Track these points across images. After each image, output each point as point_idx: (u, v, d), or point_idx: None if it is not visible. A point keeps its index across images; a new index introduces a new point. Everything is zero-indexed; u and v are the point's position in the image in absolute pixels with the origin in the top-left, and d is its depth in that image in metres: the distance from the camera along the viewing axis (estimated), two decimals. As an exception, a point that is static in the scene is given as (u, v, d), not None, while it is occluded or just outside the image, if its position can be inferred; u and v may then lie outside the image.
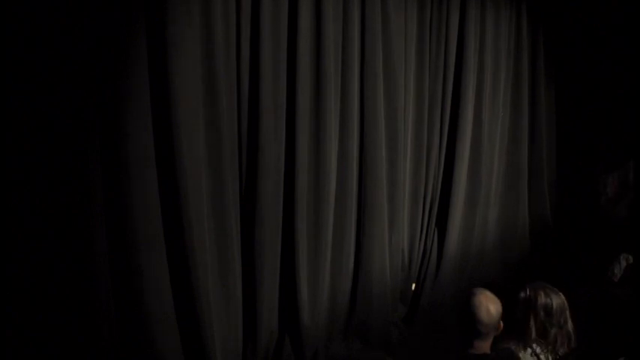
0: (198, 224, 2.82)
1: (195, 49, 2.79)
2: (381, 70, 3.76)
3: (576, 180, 5.37)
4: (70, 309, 2.47)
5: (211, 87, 2.90)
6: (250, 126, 3.17)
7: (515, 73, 5.00)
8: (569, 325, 2.36)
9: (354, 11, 3.55)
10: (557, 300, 2.36)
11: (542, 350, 2.33)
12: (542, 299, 2.37)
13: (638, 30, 4.96)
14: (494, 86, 4.72)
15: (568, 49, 5.33)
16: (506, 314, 2.18)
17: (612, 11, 5.09)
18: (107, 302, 2.57)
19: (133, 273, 2.64)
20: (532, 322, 2.35)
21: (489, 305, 2.11)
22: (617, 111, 5.16)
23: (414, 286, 4.42)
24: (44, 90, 2.36)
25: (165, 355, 2.75)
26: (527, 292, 2.45)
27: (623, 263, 3.73)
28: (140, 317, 2.68)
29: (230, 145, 3.06)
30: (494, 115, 4.76)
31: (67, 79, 2.40)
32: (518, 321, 2.39)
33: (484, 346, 2.13)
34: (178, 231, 2.76)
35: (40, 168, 2.39)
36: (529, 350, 2.33)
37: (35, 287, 2.41)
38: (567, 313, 2.37)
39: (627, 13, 5.00)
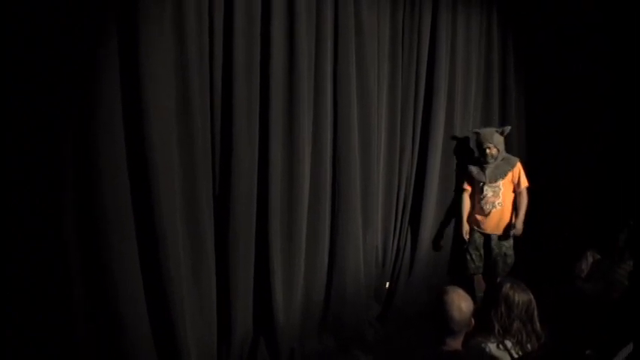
0: (171, 226, 2.81)
1: (167, 52, 2.77)
2: (354, 72, 3.79)
3: (546, 183, 5.44)
4: (40, 312, 2.45)
5: (184, 90, 2.89)
6: (223, 129, 3.16)
7: (485, 76, 5.07)
8: (537, 325, 2.42)
9: (326, 14, 3.57)
10: (522, 296, 2.41)
11: (513, 345, 2.39)
12: (505, 290, 2.42)
13: (609, 32, 5.05)
14: (465, 89, 4.78)
15: (538, 51, 5.39)
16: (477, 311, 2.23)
17: (582, 14, 5.14)
18: (79, 306, 2.55)
19: (105, 276, 2.62)
20: (493, 313, 2.41)
21: (461, 303, 2.15)
22: (588, 115, 5.25)
23: (387, 284, 4.47)
24: (18, 91, 2.33)
25: (139, 357, 2.73)
26: (495, 284, 2.51)
27: (590, 259, 3.83)
28: (113, 320, 2.66)
29: (203, 148, 3.05)
30: (466, 117, 4.82)
31: (38, 82, 2.38)
32: (485, 311, 2.45)
33: (456, 343, 2.17)
34: (151, 234, 2.74)
35: (9, 170, 2.36)
36: (500, 345, 2.39)
37: (6, 290, 2.37)
38: (535, 312, 2.42)
39: (597, 16, 5.06)
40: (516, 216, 4.32)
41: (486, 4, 4.96)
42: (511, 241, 4.35)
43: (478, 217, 4.43)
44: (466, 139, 4.76)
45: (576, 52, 5.21)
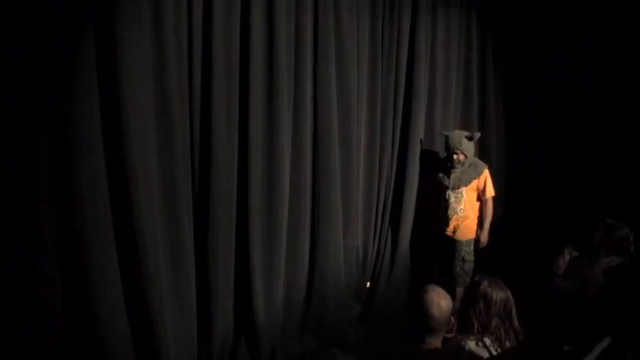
0: (149, 226, 2.78)
1: (145, 51, 2.75)
2: (333, 73, 3.80)
3: (526, 184, 5.51)
4: (17, 311, 2.42)
5: (162, 88, 2.87)
6: (202, 128, 3.15)
7: (465, 77, 5.09)
8: (515, 322, 2.45)
9: (306, 15, 3.57)
10: (500, 294, 2.44)
11: (492, 342, 2.41)
12: (483, 288, 2.45)
13: (591, 34, 5.11)
14: (445, 90, 4.80)
15: (518, 53, 5.42)
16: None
17: (564, 15, 5.19)
18: (57, 305, 2.52)
19: (83, 275, 2.59)
20: (472, 311, 2.43)
21: (440, 301, 2.16)
22: (569, 116, 5.31)
23: (368, 284, 4.48)
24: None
25: (118, 357, 2.71)
26: (474, 282, 2.54)
27: (567, 257, 3.88)
28: (91, 319, 2.63)
29: (182, 147, 3.03)
30: (446, 119, 4.84)
31: (14, 80, 2.35)
32: (464, 308, 2.48)
33: (435, 341, 2.18)
34: (129, 233, 2.72)
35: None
36: (479, 342, 2.41)
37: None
38: (513, 309, 2.45)
39: (579, 17, 5.12)
40: (481, 227, 4.25)
41: (466, 6, 4.99)
42: (471, 246, 4.29)
43: (441, 221, 4.36)
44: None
45: (557, 54, 5.27)
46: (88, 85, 2.55)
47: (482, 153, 5.15)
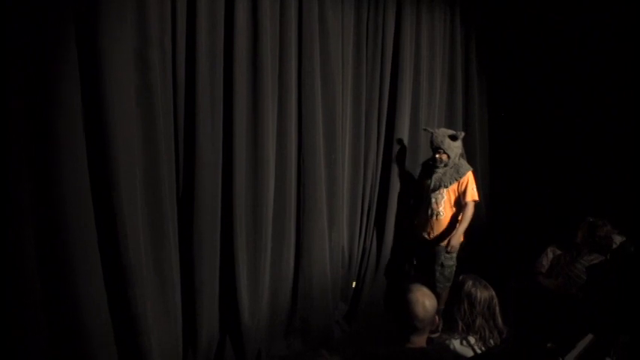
0: (133, 228, 2.76)
1: (128, 49, 2.72)
2: (318, 72, 3.79)
3: (508, 182, 5.55)
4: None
5: (146, 89, 2.84)
6: (187, 129, 3.13)
7: (450, 76, 5.12)
8: (499, 320, 2.47)
9: (290, 15, 3.56)
10: (484, 293, 2.46)
11: (476, 341, 2.43)
12: (467, 288, 2.47)
13: (571, 36, 5.18)
14: (430, 90, 4.82)
15: (500, 55, 5.49)
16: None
17: (543, 16, 5.26)
18: (38, 309, 2.49)
19: (65, 278, 2.56)
20: (456, 310, 2.45)
21: (425, 301, 2.16)
22: (549, 116, 5.36)
23: (354, 283, 4.48)
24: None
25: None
26: (458, 281, 2.56)
27: (550, 255, 3.92)
28: (75, 326, 2.60)
29: (166, 148, 3.01)
30: (431, 118, 4.86)
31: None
32: (449, 308, 2.50)
33: (420, 340, 2.18)
34: (112, 235, 2.69)
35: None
36: (463, 341, 2.43)
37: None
38: (497, 308, 2.48)
39: (561, 19, 5.18)
40: (455, 230, 4.01)
41: (449, 7, 5.01)
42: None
43: (422, 222, 4.26)
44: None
45: (543, 54, 5.32)
46: (69, 86, 2.51)
47: (466, 153, 5.15)
